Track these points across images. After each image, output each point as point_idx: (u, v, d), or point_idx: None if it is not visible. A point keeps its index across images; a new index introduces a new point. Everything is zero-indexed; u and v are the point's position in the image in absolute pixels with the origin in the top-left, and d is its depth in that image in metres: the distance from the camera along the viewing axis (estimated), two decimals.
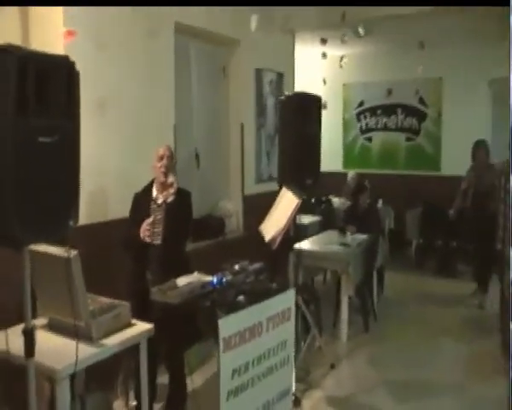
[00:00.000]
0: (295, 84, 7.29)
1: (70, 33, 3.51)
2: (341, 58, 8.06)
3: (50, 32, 3.68)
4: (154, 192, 3.94)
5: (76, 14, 3.81)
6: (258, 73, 6.39)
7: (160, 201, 3.91)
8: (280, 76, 6.83)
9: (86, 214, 3.91)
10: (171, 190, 3.88)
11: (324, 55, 7.18)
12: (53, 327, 3.13)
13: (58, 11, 3.73)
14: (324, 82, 8.71)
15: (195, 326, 3.87)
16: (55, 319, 3.12)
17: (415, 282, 7.95)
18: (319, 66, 9.10)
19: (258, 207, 5.88)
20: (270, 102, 6.64)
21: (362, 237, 6.10)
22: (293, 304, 3.68)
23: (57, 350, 2.87)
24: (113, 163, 4.35)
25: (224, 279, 3.37)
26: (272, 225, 3.85)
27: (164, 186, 3.89)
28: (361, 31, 5.23)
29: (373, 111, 10.11)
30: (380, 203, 8.26)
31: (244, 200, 6.23)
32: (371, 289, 6.33)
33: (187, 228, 4.06)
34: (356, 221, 6.41)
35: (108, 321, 3.11)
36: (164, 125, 4.91)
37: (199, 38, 5.56)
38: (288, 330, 3.65)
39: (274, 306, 3.47)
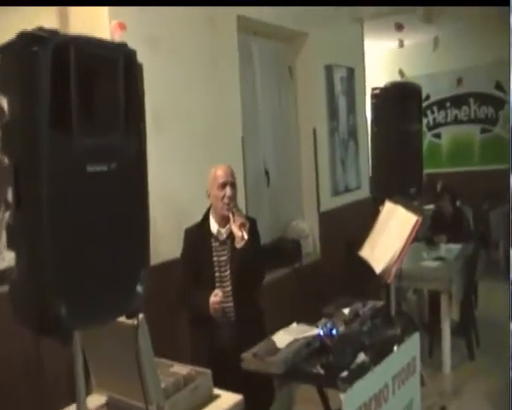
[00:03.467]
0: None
1: (120, 26, 2.79)
2: (435, 39, 7.11)
3: (93, 26, 2.98)
4: (214, 226, 3.11)
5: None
6: (329, 70, 5.61)
7: (223, 236, 3.09)
8: (351, 72, 6.04)
9: None
10: (244, 234, 2.94)
11: (401, 44, 6.28)
12: (113, 409, 2.42)
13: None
14: (401, 74, 7.79)
15: None
16: (116, 398, 2.42)
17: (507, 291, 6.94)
18: (385, 57, 8.23)
19: (337, 223, 5.34)
20: (341, 102, 5.87)
21: (456, 247, 5.26)
22: (419, 351, 2.88)
23: None
24: (168, 189, 3.61)
25: (335, 331, 2.57)
26: (383, 252, 3.03)
27: (227, 220, 3.06)
28: None
29: (441, 104, 9.17)
30: (457, 204, 7.36)
31: (320, 217, 5.44)
32: (472, 309, 5.41)
33: (262, 270, 3.25)
34: (443, 228, 5.54)
35: (186, 399, 2.34)
36: (231, 139, 4.20)
37: (261, 34, 4.86)
38: (414, 385, 2.90)
39: (399, 359, 2.72)
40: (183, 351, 3.10)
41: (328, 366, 2.32)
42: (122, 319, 2.09)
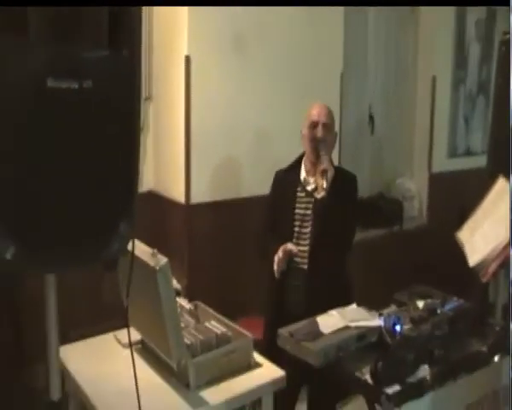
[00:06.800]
0: None
1: None
2: None
3: None
4: (303, 173, 2.68)
5: None
6: (460, 10, 4.83)
7: (310, 186, 2.64)
8: (491, 14, 5.12)
9: (210, 189, 3.29)
10: (324, 183, 2.44)
11: None
12: (144, 352, 2.24)
13: None
14: None
15: None
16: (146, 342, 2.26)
17: None
18: None
19: (451, 189, 4.65)
20: (474, 49, 5.05)
21: None
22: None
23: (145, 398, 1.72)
24: (250, 123, 3.41)
25: (399, 327, 2.07)
26: (483, 241, 2.42)
27: (316, 167, 2.57)
28: None
29: None
30: None
31: (431, 178, 4.81)
32: None
33: (350, 234, 2.73)
34: None
35: (215, 361, 2.06)
36: (327, 73, 3.75)
37: None
38: None
39: (480, 384, 2.15)
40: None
41: (376, 374, 1.84)
42: (148, 256, 1.86)
